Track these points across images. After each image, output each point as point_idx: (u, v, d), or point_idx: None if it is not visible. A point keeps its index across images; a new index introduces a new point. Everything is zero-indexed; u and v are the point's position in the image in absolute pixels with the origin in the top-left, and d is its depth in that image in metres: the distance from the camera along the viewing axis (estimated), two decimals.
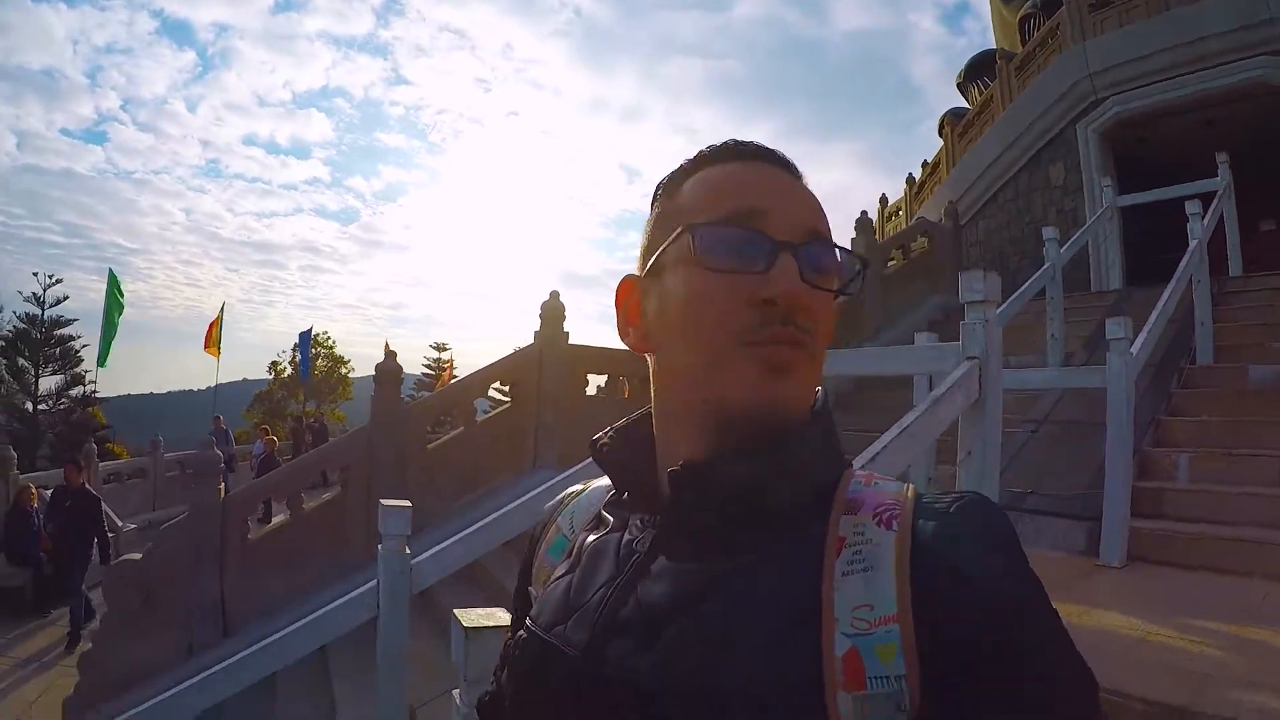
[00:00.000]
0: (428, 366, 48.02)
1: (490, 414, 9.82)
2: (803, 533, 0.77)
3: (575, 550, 0.95)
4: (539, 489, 4.81)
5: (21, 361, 26.54)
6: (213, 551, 8.54)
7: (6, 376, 26.63)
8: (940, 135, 20.96)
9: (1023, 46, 17.64)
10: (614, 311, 0.93)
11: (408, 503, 4.34)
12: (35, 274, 27.27)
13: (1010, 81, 16.56)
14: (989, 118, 17.13)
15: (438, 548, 4.53)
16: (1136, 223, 12.94)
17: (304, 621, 4.87)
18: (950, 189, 17.29)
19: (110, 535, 14.04)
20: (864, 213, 13.39)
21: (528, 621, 0.91)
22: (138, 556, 8.80)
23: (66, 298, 27.88)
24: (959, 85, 23.00)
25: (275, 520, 9.77)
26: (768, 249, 0.80)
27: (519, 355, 9.70)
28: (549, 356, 9.45)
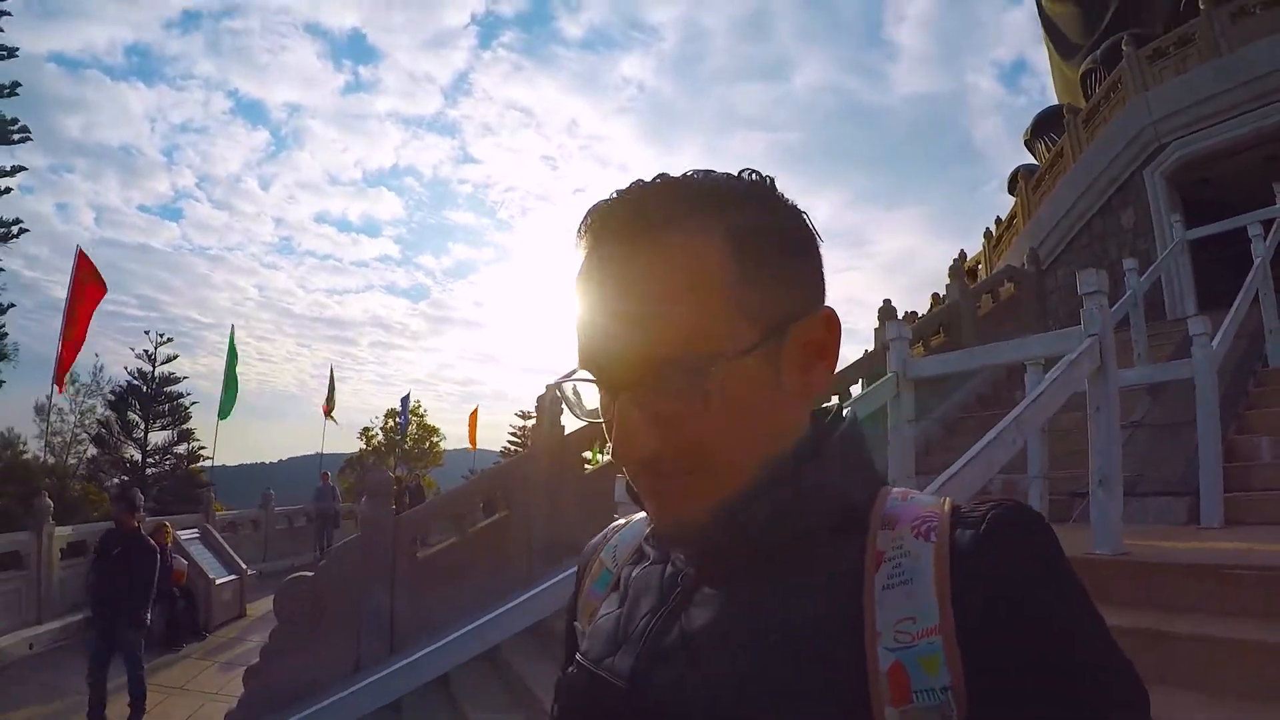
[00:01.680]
0: (513, 433, 49.53)
1: None
2: (842, 551, 0.77)
3: (621, 584, 0.97)
4: None
5: (132, 415, 27.72)
6: (384, 569, 9.03)
7: (117, 428, 27.92)
8: (1011, 192, 21.89)
9: (1085, 101, 18.53)
10: None
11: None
12: (147, 332, 28.56)
13: (1079, 134, 17.38)
14: (1061, 169, 17.91)
15: None
16: (1205, 254, 13.55)
17: (528, 594, 5.60)
18: (1028, 239, 18.04)
19: (233, 578, 14.76)
20: (962, 252, 14.52)
21: (578, 656, 0.92)
22: (310, 574, 9.20)
23: (176, 356, 29.14)
24: (1026, 142, 23.73)
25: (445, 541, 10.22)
26: (608, 403, 0.81)
27: None
28: None
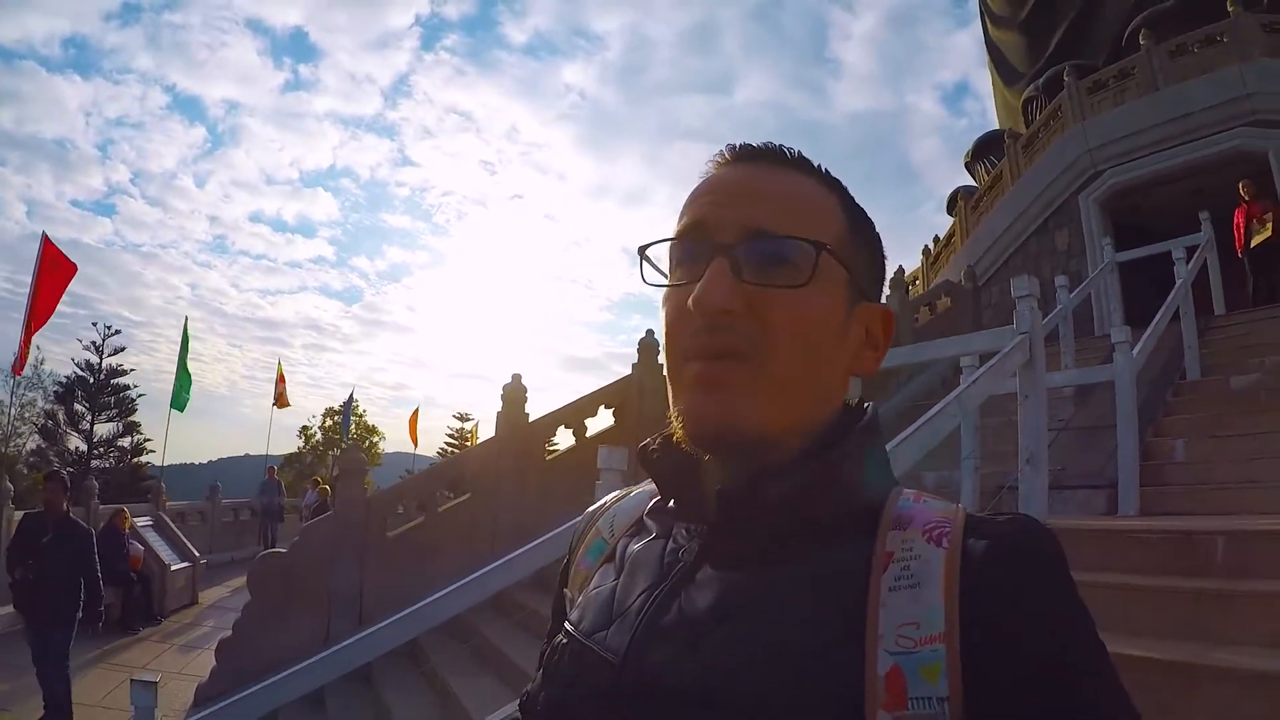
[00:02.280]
0: (450, 435, 51.08)
1: (599, 431, 10.95)
2: (850, 547, 0.77)
3: (617, 556, 0.96)
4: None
5: (78, 407, 27.71)
6: (355, 546, 9.28)
7: (62, 419, 27.85)
8: (949, 212, 22.54)
9: (1026, 127, 19.22)
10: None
11: (624, 448, 5.20)
12: (95, 324, 28.25)
13: (1018, 159, 18.09)
14: (1000, 192, 18.61)
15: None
16: (1133, 278, 14.17)
17: (533, 544, 5.91)
18: (966, 257, 18.70)
19: (187, 565, 14.83)
20: (900, 268, 15.25)
21: (567, 626, 0.92)
22: (283, 550, 9.51)
23: (124, 349, 29.20)
24: (966, 164, 24.40)
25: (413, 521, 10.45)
26: (704, 256, 0.81)
27: (620, 384, 11.10)
28: (647, 384, 10.88)
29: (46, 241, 14.69)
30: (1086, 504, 7.21)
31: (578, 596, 0.97)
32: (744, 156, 0.87)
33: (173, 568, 14.22)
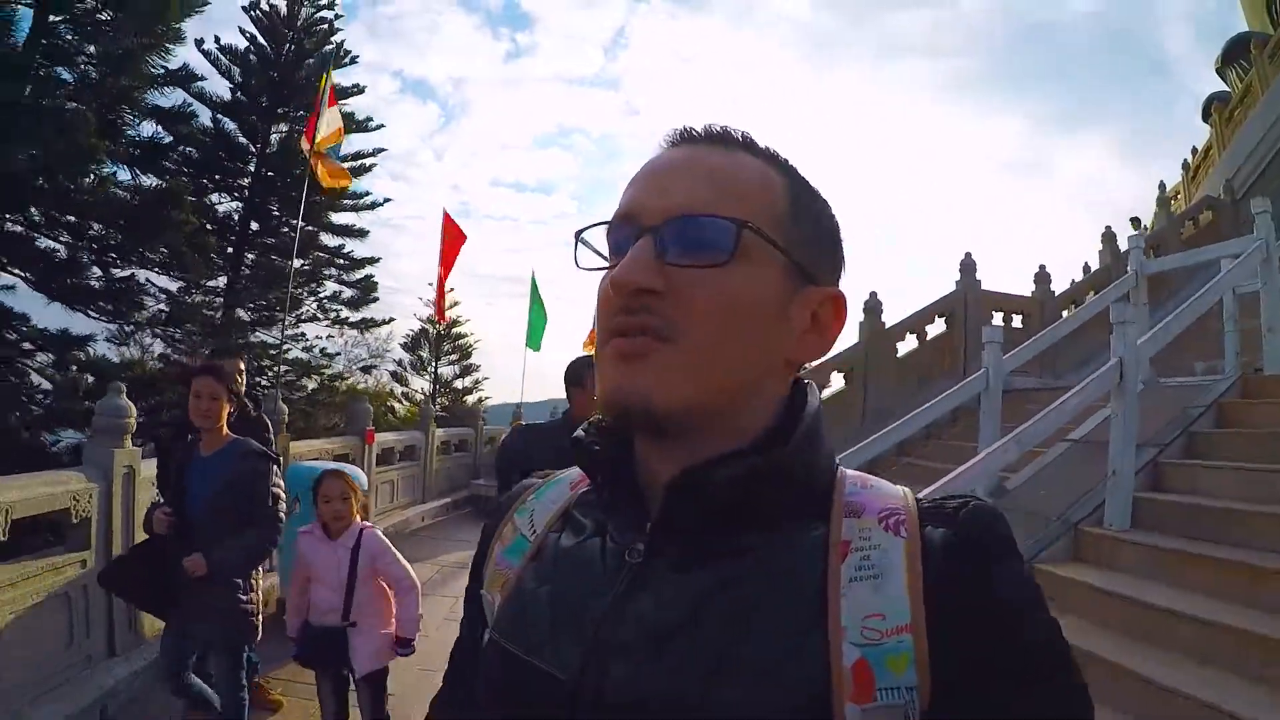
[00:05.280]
0: None
1: (934, 336, 13.37)
2: (803, 537, 0.76)
3: (543, 554, 0.91)
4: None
5: (423, 354, 32.23)
6: None
7: (408, 364, 32.22)
8: (1205, 121, 22.66)
9: (1273, 25, 19.38)
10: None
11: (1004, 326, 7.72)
12: (431, 284, 32.46)
13: (1265, 67, 18.04)
14: (1251, 102, 18.57)
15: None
16: None
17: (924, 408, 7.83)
18: (1223, 171, 18.61)
19: None
20: (1162, 183, 16.93)
21: (495, 635, 0.86)
22: None
23: (459, 303, 32.65)
24: (1218, 70, 24.50)
25: None
26: (630, 241, 0.79)
27: (949, 298, 13.46)
28: (970, 296, 13.37)
29: (446, 216, 17.93)
30: None
31: (497, 598, 0.91)
32: (684, 139, 0.84)
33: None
